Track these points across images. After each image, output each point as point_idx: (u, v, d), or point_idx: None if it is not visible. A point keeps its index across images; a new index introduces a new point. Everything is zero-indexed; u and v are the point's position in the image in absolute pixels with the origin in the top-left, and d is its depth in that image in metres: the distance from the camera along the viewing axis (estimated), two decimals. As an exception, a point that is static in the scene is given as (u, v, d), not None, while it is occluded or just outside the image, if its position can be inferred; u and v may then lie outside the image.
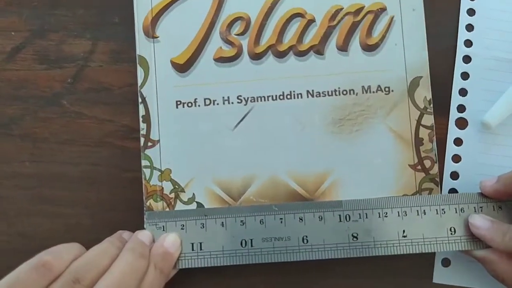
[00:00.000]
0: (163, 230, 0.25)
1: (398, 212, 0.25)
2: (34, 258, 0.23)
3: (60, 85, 0.28)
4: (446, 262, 0.27)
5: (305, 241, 0.25)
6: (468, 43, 0.28)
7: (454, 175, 0.27)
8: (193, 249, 0.25)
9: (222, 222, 0.25)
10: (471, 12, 0.28)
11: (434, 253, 0.27)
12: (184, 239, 0.25)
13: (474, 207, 0.25)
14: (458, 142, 0.27)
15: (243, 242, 0.24)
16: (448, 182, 0.27)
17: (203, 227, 0.25)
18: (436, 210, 0.25)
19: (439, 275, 0.27)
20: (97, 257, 0.23)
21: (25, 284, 0.23)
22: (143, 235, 0.25)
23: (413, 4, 0.27)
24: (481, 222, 0.25)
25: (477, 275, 0.27)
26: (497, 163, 0.27)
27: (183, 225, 0.25)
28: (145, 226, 0.25)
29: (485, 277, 0.26)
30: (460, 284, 0.27)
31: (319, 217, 0.25)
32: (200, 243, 0.25)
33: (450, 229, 0.25)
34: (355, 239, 0.25)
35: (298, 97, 0.26)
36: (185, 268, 0.24)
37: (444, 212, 0.25)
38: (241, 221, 0.25)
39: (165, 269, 0.25)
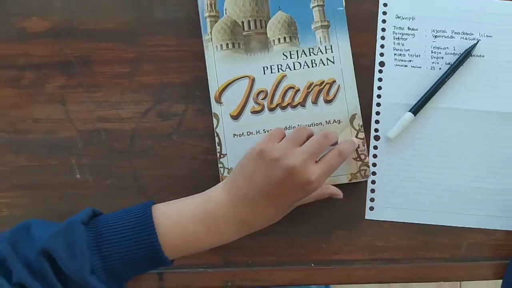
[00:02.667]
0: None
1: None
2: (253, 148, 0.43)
3: (171, 128, 0.53)
4: (371, 209, 0.53)
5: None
6: (379, 96, 0.53)
7: (374, 164, 0.53)
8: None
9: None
10: (380, 79, 0.53)
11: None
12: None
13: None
14: (375, 147, 0.53)
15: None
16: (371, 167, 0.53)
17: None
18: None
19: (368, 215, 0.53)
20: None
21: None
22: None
23: (349, 79, 0.52)
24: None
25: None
26: (395, 158, 0.53)
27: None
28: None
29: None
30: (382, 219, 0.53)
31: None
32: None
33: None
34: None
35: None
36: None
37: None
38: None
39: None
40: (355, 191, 0.52)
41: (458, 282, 0.48)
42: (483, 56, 0.53)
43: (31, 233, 0.42)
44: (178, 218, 0.43)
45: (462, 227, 0.51)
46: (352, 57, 0.52)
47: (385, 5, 0.53)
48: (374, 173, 0.52)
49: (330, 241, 0.51)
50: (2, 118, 0.53)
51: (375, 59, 0.53)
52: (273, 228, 0.50)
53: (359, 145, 0.51)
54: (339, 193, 0.49)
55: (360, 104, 0.52)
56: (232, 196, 0.43)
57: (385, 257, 0.51)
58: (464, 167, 0.52)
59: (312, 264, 0.51)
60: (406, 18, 0.53)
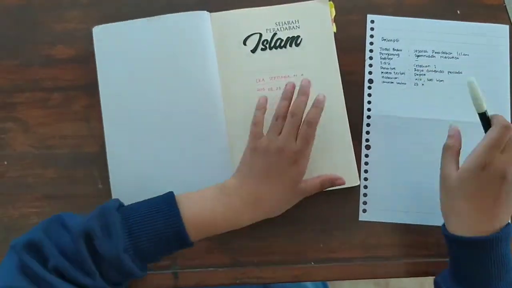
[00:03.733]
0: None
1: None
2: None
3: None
4: (364, 211, 0.58)
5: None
6: (369, 109, 0.59)
7: (365, 171, 0.58)
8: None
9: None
10: (369, 94, 0.60)
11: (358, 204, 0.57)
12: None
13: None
14: (366, 155, 0.59)
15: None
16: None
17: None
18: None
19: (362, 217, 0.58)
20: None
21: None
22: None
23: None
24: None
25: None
26: (384, 165, 0.58)
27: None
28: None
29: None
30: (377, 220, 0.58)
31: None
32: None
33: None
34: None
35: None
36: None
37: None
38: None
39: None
40: (350, 195, 0.57)
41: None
42: (461, 72, 0.59)
43: (64, 222, 0.46)
44: (198, 199, 0.50)
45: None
46: (344, 74, 0.58)
47: (372, 29, 0.60)
48: (366, 179, 0.58)
49: (328, 241, 0.57)
50: (32, 135, 0.58)
51: (364, 77, 0.59)
52: (276, 231, 0.56)
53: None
54: (339, 177, 0.55)
55: (351, 117, 0.58)
56: (240, 178, 0.52)
57: (378, 254, 0.57)
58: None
59: (312, 263, 0.57)
60: (391, 40, 0.60)
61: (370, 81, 0.59)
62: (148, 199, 0.49)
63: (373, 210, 0.58)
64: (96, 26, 0.57)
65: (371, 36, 0.60)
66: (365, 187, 0.58)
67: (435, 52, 0.59)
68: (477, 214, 0.48)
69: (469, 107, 0.57)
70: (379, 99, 0.59)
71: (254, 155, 0.52)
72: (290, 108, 0.53)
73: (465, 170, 0.48)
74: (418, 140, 0.58)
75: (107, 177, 0.57)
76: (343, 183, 0.55)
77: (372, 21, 0.60)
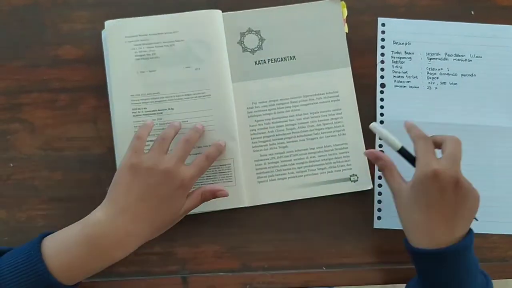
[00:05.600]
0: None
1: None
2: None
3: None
4: (379, 218, 0.57)
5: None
6: (382, 114, 0.58)
7: (380, 177, 0.57)
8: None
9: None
10: (382, 99, 0.58)
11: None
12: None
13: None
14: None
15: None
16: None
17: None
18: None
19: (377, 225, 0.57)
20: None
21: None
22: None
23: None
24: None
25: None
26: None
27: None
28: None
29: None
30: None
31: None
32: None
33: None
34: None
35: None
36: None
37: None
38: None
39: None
40: (363, 200, 0.57)
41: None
42: (474, 75, 0.58)
43: None
44: (63, 245, 0.45)
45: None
46: (355, 76, 0.57)
47: (383, 32, 0.59)
48: (380, 185, 0.57)
49: (340, 246, 0.56)
50: (39, 136, 0.57)
51: (376, 81, 0.58)
52: (288, 235, 0.55)
53: None
54: (221, 189, 0.51)
55: (364, 122, 0.56)
56: (110, 212, 0.46)
57: (391, 260, 0.56)
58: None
59: (324, 268, 0.56)
60: (403, 43, 0.58)
61: (382, 85, 0.58)
62: (17, 251, 0.46)
63: (388, 217, 0.56)
64: (108, 21, 0.56)
65: (382, 39, 0.59)
66: (379, 193, 0.57)
67: (448, 55, 0.58)
68: (436, 225, 0.46)
69: (484, 110, 0.57)
70: (392, 104, 0.58)
71: (132, 174, 0.47)
72: (185, 135, 0.51)
73: (417, 182, 0.47)
74: None
75: (115, 180, 0.56)
76: (226, 195, 0.52)
77: (383, 24, 0.59)
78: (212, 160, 0.53)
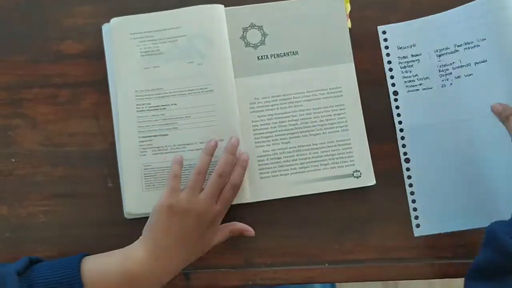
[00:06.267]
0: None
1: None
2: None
3: (195, 140, 0.58)
4: (417, 226, 0.55)
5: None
6: (400, 122, 0.56)
7: (410, 185, 0.57)
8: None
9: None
10: (397, 107, 0.57)
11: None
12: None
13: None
14: (407, 169, 0.56)
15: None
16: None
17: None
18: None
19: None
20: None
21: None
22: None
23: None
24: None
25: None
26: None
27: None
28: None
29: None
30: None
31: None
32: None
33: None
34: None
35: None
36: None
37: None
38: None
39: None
40: (366, 196, 0.56)
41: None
42: (486, 61, 0.54)
43: None
44: (102, 274, 0.47)
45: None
46: (358, 72, 0.57)
47: (385, 40, 0.57)
48: (411, 185, 0.55)
49: (343, 242, 0.56)
50: (41, 132, 0.57)
51: (388, 89, 0.57)
52: (290, 232, 0.55)
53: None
54: (248, 229, 0.53)
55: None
56: (151, 250, 0.48)
57: (393, 256, 0.55)
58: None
59: (327, 264, 0.55)
60: (408, 46, 0.57)
61: (395, 93, 0.57)
62: (59, 261, 0.47)
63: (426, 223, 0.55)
64: (114, 18, 0.56)
65: (386, 47, 0.57)
66: (412, 193, 0.56)
67: (458, 46, 0.55)
68: None
69: (505, 97, 0.53)
70: (408, 110, 0.56)
71: (171, 215, 0.49)
72: (217, 168, 0.51)
73: None
74: (458, 143, 0.55)
75: (117, 176, 0.56)
76: (252, 235, 0.54)
77: (384, 32, 0.58)
78: (238, 189, 0.53)
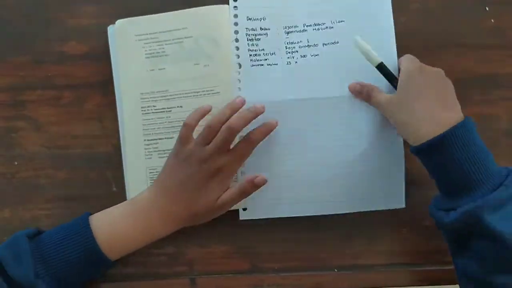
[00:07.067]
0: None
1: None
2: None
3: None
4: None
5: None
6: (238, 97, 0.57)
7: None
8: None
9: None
10: (239, 80, 0.53)
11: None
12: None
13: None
14: None
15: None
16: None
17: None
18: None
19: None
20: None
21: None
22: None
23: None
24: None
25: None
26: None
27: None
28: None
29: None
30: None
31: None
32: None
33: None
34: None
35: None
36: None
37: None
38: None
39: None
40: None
41: None
42: (337, 42, 0.53)
43: None
44: (110, 217, 0.50)
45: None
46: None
47: (235, 8, 0.54)
48: None
49: (352, 247, 0.55)
50: (44, 134, 0.56)
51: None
52: (298, 235, 0.54)
53: None
54: (256, 175, 0.50)
55: None
56: (155, 191, 0.50)
57: (403, 261, 0.54)
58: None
59: (336, 270, 0.54)
60: (258, 19, 0.54)
61: (239, 65, 0.54)
62: (65, 224, 0.50)
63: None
64: (119, 20, 0.55)
65: (235, 16, 0.54)
66: None
67: (307, 26, 0.53)
68: (439, 109, 0.45)
69: (352, 78, 0.53)
70: (250, 85, 0.53)
71: (175, 162, 0.50)
72: (229, 121, 0.49)
73: (404, 73, 0.48)
74: (299, 123, 0.53)
75: (121, 179, 0.55)
76: (264, 180, 0.50)
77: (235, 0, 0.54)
78: (256, 144, 0.51)
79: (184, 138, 0.49)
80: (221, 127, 0.49)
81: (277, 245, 0.55)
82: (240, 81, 0.54)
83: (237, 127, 0.49)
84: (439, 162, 0.44)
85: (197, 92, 0.55)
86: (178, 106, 0.55)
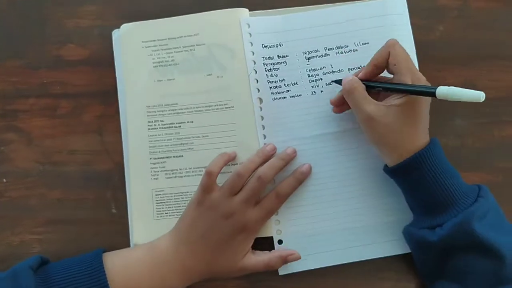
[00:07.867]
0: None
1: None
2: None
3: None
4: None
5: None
6: (265, 137, 0.51)
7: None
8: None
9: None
10: (262, 118, 0.48)
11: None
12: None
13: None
14: None
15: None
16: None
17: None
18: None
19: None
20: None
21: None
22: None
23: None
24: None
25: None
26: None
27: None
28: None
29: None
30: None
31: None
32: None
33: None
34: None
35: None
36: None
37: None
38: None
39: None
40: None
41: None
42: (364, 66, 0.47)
43: None
44: (126, 261, 0.45)
45: None
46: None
47: (250, 35, 0.50)
48: None
49: (376, 283, 0.49)
50: (37, 148, 0.51)
51: (251, 96, 0.49)
52: (322, 271, 0.49)
53: None
54: (292, 253, 0.47)
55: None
56: (175, 241, 0.46)
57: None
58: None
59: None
60: (273, 45, 0.49)
61: (260, 100, 0.49)
62: (75, 257, 0.46)
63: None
64: (125, 24, 0.51)
65: (251, 43, 0.49)
66: None
67: (328, 49, 0.49)
68: (420, 134, 0.44)
69: None
70: (273, 122, 0.49)
71: (197, 211, 0.46)
72: (259, 170, 0.46)
73: (411, 101, 0.43)
74: (335, 159, 0.48)
75: (122, 200, 0.50)
76: (298, 258, 0.47)
77: (248, 25, 0.49)
78: (286, 198, 0.47)
79: (208, 186, 0.46)
80: (249, 175, 0.46)
81: (294, 279, 0.49)
82: (263, 118, 0.49)
83: (268, 178, 0.46)
84: (417, 179, 0.44)
85: (209, 106, 0.50)
86: (188, 121, 0.50)
